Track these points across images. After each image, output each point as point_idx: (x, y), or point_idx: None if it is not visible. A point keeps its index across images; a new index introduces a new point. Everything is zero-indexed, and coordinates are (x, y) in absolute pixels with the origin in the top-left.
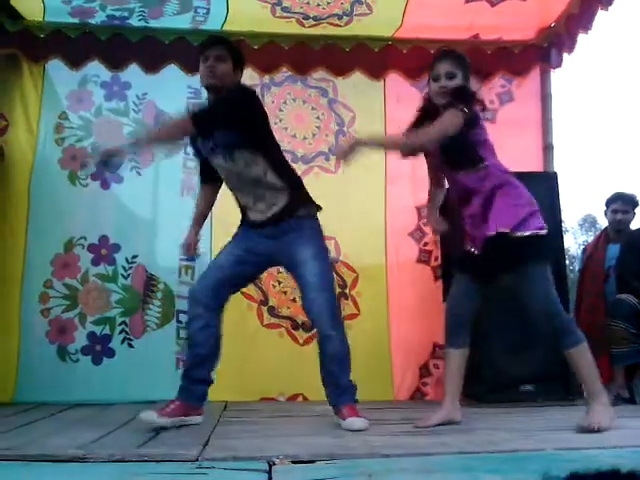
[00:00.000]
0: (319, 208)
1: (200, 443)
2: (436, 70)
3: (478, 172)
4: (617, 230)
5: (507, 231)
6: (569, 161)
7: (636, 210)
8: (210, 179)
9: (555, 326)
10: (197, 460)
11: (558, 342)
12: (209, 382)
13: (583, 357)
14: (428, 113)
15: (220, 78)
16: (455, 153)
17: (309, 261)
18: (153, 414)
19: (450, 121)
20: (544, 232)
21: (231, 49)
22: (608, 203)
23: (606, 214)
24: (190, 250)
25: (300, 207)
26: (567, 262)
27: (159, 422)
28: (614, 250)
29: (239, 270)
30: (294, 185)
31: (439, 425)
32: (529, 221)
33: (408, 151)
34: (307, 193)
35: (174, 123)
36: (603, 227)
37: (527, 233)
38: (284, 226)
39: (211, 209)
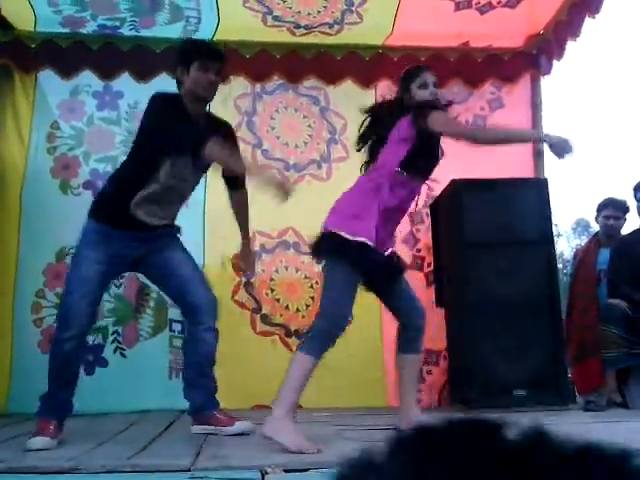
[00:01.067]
0: None
1: (193, 453)
2: (423, 79)
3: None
4: (608, 235)
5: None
6: (562, 165)
7: (627, 215)
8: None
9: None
10: (189, 470)
11: None
12: (71, 403)
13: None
14: (390, 114)
15: (214, 94)
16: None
17: (189, 260)
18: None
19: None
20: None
21: (224, 62)
22: (600, 209)
23: (597, 219)
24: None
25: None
26: (561, 266)
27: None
28: (605, 255)
29: (105, 284)
30: None
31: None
32: None
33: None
34: None
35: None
36: (595, 231)
37: None
38: (168, 231)
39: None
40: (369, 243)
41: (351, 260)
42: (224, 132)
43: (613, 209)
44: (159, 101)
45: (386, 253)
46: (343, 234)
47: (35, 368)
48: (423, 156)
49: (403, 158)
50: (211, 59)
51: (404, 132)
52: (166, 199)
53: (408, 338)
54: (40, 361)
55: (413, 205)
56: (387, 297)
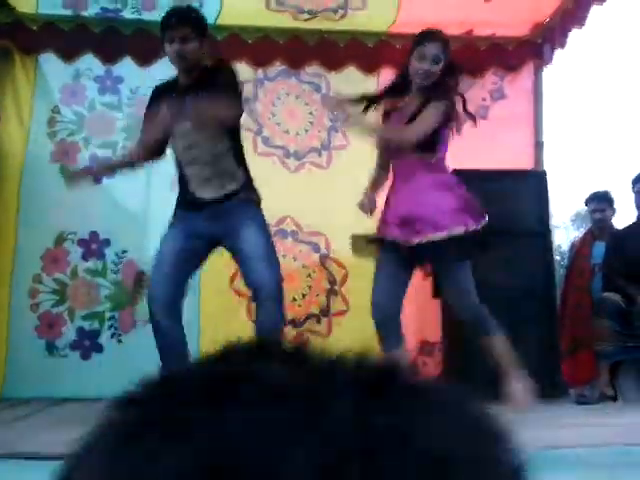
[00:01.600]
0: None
1: None
2: (423, 50)
3: (426, 162)
4: (599, 228)
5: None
6: (561, 157)
7: (614, 205)
8: (151, 151)
9: None
10: None
11: None
12: None
13: None
14: (397, 88)
15: (190, 60)
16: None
17: (254, 237)
18: None
19: (435, 117)
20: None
21: (194, 24)
22: (586, 204)
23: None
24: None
25: (251, 194)
26: (558, 257)
27: None
28: (600, 248)
29: (189, 265)
30: (248, 173)
31: None
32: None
33: (393, 142)
34: (255, 187)
35: (155, 124)
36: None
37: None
38: (229, 206)
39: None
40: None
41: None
42: (219, 80)
43: (597, 202)
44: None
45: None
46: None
47: (31, 353)
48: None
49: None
50: (171, 28)
51: None
52: (198, 169)
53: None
54: (36, 346)
55: None
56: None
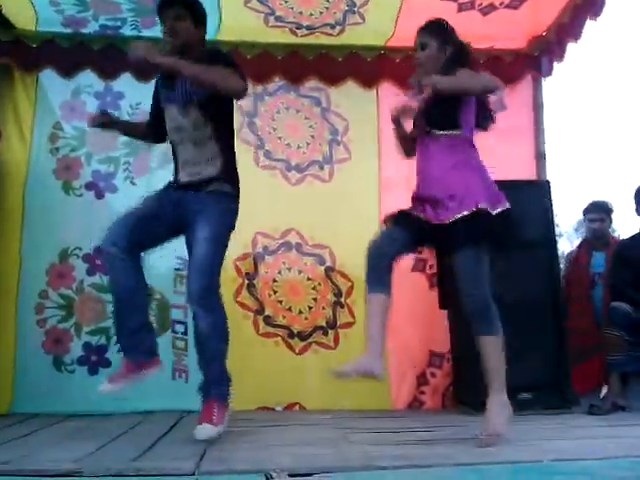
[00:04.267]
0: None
1: (196, 455)
2: (415, 44)
3: (451, 138)
4: (597, 237)
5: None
6: (562, 165)
7: (612, 216)
8: (154, 131)
9: None
10: (194, 474)
11: None
12: (148, 327)
13: None
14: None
15: (182, 37)
16: (442, 111)
17: (203, 242)
18: (105, 384)
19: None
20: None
21: (188, 5)
22: (584, 213)
23: (584, 223)
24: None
25: (225, 184)
26: (562, 266)
27: (111, 388)
28: (599, 258)
29: (153, 223)
30: (229, 162)
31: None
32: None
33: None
34: (234, 176)
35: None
36: (586, 235)
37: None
38: (200, 196)
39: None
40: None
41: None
42: (212, 60)
43: (596, 212)
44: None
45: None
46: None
47: (38, 368)
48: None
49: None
50: (165, 7)
51: None
52: (183, 149)
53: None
54: (43, 361)
55: None
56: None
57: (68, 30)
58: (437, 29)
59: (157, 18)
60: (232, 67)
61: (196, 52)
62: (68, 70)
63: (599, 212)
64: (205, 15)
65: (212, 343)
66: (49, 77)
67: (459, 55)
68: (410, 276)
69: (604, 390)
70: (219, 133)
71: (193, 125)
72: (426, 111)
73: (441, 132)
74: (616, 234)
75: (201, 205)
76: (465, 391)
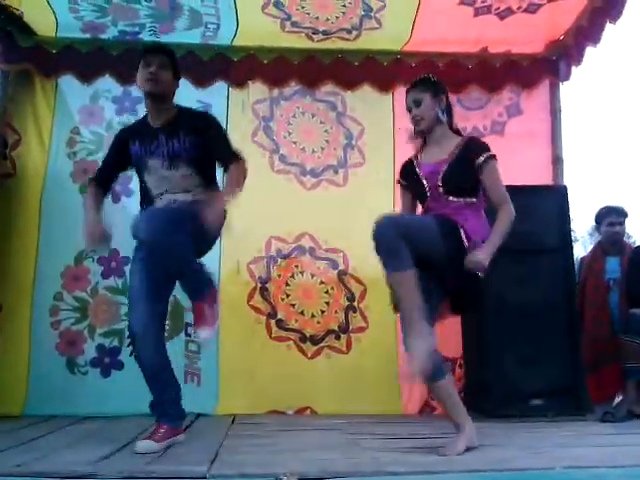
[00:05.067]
0: None
1: (208, 459)
2: (407, 103)
3: (466, 203)
4: (613, 242)
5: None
6: (578, 170)
7: (626, 220)
8: (106, 184)
9: None
10: (205, 477)
11: None
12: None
13: None
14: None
15: (163, 86)
16: (462, 181)
17: None
18: (150, 443)
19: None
20: None
21: (173, 58)
22: (602, 217)
23: (600, 229)
24: (96, 237)
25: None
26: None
27: (156, 448)
28: (613, 263)
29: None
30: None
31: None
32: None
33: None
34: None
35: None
36: (598, 240)
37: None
38: None
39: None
40: None
41: None
42: (198, 123)
43: (616, 215)
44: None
45: None
46: None
47: (52, 370)
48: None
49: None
50: (150, 53)
51: None
52: (168, 195)
53: None
54: (57, 363)
55: None
56: None
57: (87, 36)
58: (427, 83)
59: (175, 24)
60: (224, 134)
61: (168, 104)
62: (87, 75)
63: (619, 216)
64: (180, 74)
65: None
66: (68, 82)
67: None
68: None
69: (619, 398)
70: (205, 178)
71: (181, 176)
72: (442, 178)
73: (457, 199)
74: (631, 240)
75: None
76: (477, 397)
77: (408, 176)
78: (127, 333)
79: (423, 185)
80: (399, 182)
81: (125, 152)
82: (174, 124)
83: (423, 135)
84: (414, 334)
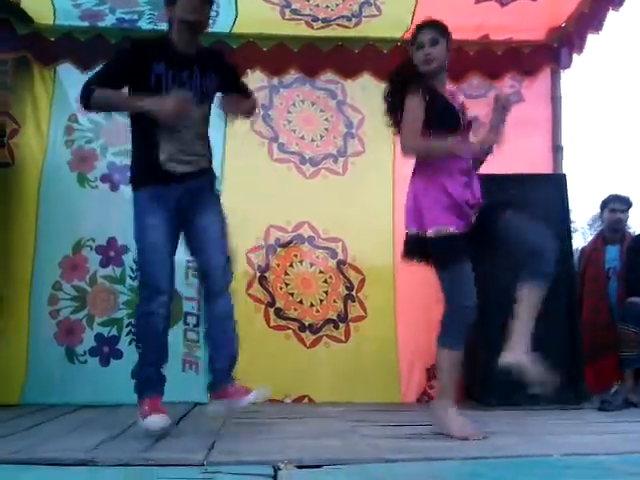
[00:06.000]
0: None
1: (206, 446)
2: (419, 38)
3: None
4: (614, 230)
5: None
6: (577, 161)
7: (630, 210)
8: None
9: None
10: (203, 465)
11: None
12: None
13: None
14: (404, 80)
15: (205, 16)
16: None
17: (217, 222)
18: (163, 419)
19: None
20: None
21: None
22: (605, 204)
23: (602, 216)
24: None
25: (214, 177)
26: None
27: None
28: (613, 252)
29: (173, 245)
30: (211, 156)
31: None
32: None
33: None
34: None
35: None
36: (601, 229)
37: None
38: (202, 183)
39: None
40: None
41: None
42: (216, 62)
43: (619, 203)
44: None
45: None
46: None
47: (51, 359)
48: (442, 120)
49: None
50: None
51: None
52: (182, 138)
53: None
54: (56, 352)
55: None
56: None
57: (85, 23)
58: (445, 30)
59: None
60: (228, 64)
61: (199, 41)
62: (85, 63)
63: (622, 203)
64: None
65: (233, 325)
66: (66, 70)
67: None
68: (422, 270)
69: (616, 386)
70: (207, 130)
71: (200, 117)
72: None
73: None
74: (631, 230)
75: (203, 192)
76: (476, 387)
77: (435, 102)
78: (126, 322)
79: (459, 118)
80: (424, 97)
81: (139, 70)
82: (205, 58)
83: (426, 74)
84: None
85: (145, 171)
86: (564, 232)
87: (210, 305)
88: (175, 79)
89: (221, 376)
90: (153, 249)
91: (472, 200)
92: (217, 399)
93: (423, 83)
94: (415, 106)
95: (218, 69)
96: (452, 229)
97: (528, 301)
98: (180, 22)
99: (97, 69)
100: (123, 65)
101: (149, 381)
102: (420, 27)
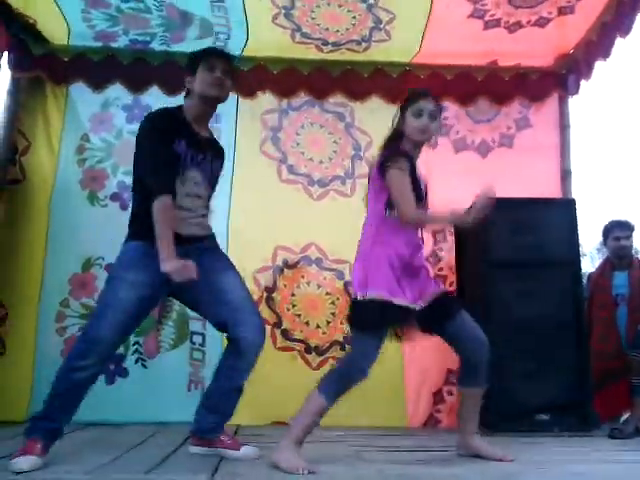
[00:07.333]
0: None
1: (209, 470)
2: (419, 106)
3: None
4: (620, 257)
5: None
6: (585, 186)
7: (634, 234)
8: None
9: None
10: None
11: None
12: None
13: None
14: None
15: (225, 94)
16: None
17: (231, 268)
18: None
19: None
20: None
21: (233, 66)
22: (608, 231)
23: (606, 243)
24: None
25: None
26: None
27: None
28: (621, 278)
29: (143, 312)
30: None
31: None
32: None
33: None
34: None
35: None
36: (607, 255)
37: None
38: (209, 245)
39: None
40: (395, 302)
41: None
42: (220, 151)
43: (621, 230)
44: (157, 119)
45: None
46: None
47: None
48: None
49: (386, 203)
50: (217, 57)
51: (377, 180)
52: (187, 211)
53: (469, 372)
54: None
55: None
56: (442, 335)
57: (99, 44)
58: (440, 104)
59: (185, 33)
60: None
61: (210, 116)
62: (98, 83)
63: (624, 230)
64: None
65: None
66: (79, 90)
67: None
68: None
69: (626, 414)
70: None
71: (207, 197)
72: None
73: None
74: (639, 255)
75: (213, 251)
76: (482, 411)
77: (411, 171)
78: (132, 340)
79: (421, 190)
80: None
81: (169, 142)
82: (213, 144)
83: (415, 146)
84: None
85: (150, 227)
86: (573, 257)
87: (236, 357)
88: (193, 160)
89: (215, 427)
90: (118, 308)
91: (417, 263)
92: (201, 446)
93: (409, 162)
94: (406, 180)
95: (220, 157)
96: (387, 296)
97: (471, 399)
98: (199, 96)
99: (145, 156)
100: (166, 151)
101: (45, 431)
102: (421, 94)
